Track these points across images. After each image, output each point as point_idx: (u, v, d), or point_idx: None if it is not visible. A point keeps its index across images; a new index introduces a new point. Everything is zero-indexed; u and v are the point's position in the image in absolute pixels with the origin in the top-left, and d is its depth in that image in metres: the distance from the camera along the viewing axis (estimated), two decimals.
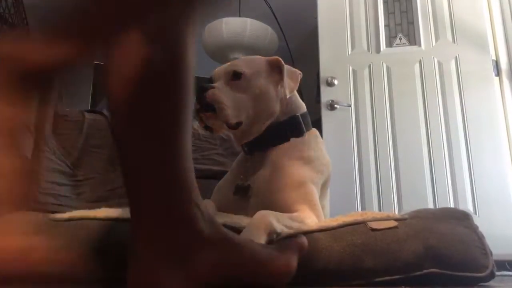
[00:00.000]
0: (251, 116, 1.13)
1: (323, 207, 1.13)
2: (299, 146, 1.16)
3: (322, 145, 1.25)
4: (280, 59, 1.21)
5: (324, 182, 1.19)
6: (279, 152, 1.15)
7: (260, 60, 1.21)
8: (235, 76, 1.13)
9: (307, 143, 1.18)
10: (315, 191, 1.11)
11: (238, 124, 1.10)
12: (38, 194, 1.60)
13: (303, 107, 1.26)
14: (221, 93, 1.09)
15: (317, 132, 1.26)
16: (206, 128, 1.13)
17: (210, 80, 1.19)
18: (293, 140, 1.17)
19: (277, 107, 1.18)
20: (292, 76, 1.20)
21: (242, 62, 1.18)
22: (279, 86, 1.19)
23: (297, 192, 1.08)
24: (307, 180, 1.10)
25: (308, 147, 1.17)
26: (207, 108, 1.08)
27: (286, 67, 1.21)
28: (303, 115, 1.23)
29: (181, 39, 0.54)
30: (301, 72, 1.24)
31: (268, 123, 1.17)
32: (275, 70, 1.20)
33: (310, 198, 1.08)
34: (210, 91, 1.08)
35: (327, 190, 1.24)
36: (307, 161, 1.14)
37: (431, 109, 2.42)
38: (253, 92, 1.13)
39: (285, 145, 1.16)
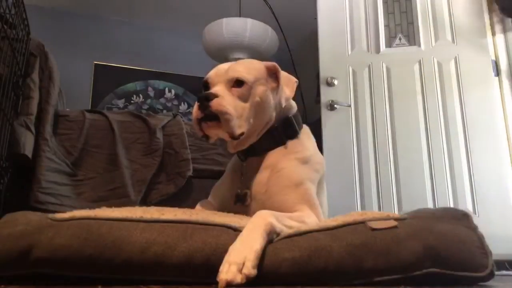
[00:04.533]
0: (251, 125, 1.10)
1: (321, 204, 1.14)
2: (294, 147, 1.16)
3: (314, 142, 1.25)
4: (276, 65, 1.17)
5: (320, 179, 1.19)
6: (275, 154, 1.14)
7: (259, 65, 1.17)
8: (237, 83, 1.09)
9: (301, 143, 1.18)
10: (313, 190, 1.11)
11: (241, 134, 1.08)
12: (39, 194, 1.60)
13: (294, 107, 1.24)
14: (226, 102, 1.05)
15: (308, 129, 1.26)
16: (203, 136, 1.09)
17: (206, 84, 1.15)
18: (289, 142, 1.16)
19: (273, 115, 1.16)
20: (288, 84, 1.17)
21: (242, 67, 1.13)
22: (275, 93, 1.16)
23: (296, 192, 1.07)
24: (305, 180, 1.10)
25: (303, 147, 1.17)
26: (211, 118, 1.04)
27: (283, 74, 1.18)
28: (295, 115, 1.21)
29: None
30: (297, 80, 1.21)
31: (264, 131, 1.15)
32: (272, 76, 1.17)
33: (308, 197, 1.08)
34: (215, 101, 1.04)
35: (323, 187, 1.24)
36: (304, 161, 1.14)
37: (430, 109, 2.43)
38: (253, 100, 1.10)
39: (281, 147, 1.15)
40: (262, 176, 1.12)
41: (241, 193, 1.13)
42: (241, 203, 1.12)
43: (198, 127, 1.08)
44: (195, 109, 1.07)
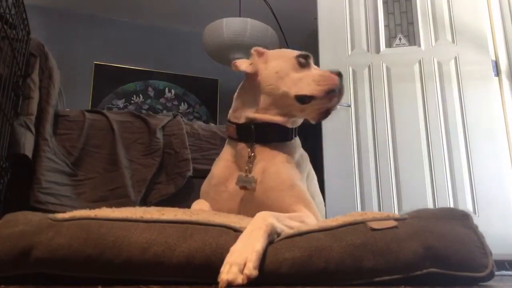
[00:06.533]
0: None
1: (313, 195, 1.15)
2: (289, 145, 1.19)
3: (297, 138, 1.28)
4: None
5: (308, 171, 1.23)
6: (274, 148, 1.16)
7: None
8: None
9: (296, 142, 1.23)
10: (305, 189, 1.13)
11: None
12: (39, 194, 1.60)
13: None
14: None
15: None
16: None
17: (307, 57, 1.23)
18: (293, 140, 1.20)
19: None
20: None
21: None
22: None
23: (290, 193, 1.09)
24: (296, 180, 1.12)
25: (296, 145, 1.22)
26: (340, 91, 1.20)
27: None
28: None
29: None
30: None
31: None
32: None
33: (303, 197, 1.10)
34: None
35: (311, 177, 1.27)
36: (291, 159, 1.16)
37: (430, 109, 2.43)
38: None
39: (280, 143, 1.18)
40: (259, 169, 1.13)
41: (245, 177, 1.12)
42: (247, 185, 1.12)
43: (328, 95, 1.20)
44: (335, 77, 1.22)
